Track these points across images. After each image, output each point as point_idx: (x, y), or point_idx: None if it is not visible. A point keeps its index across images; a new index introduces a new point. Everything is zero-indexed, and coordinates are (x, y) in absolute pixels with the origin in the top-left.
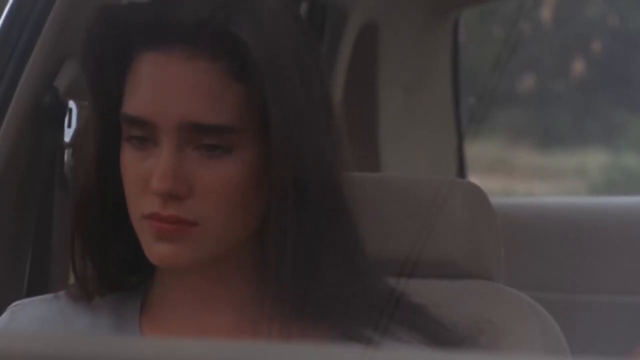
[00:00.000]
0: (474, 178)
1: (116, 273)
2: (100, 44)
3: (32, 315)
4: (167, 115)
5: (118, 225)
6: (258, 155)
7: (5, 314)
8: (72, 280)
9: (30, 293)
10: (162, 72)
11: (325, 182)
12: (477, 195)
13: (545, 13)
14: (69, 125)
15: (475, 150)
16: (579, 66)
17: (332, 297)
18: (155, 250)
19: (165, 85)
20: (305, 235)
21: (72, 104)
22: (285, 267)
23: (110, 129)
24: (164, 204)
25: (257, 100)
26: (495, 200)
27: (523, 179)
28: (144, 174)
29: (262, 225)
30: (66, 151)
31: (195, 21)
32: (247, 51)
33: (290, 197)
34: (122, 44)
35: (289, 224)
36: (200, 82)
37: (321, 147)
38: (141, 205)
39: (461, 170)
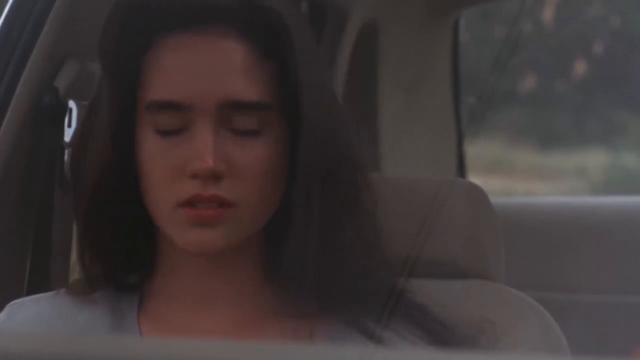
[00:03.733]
0: (474, 178)
1: (119, 269)
2: (121, 29)
3: (30, 312)
4: (206, 96)
5: (125, 223)
6: (283, 137)
7: (3, 312)
8: (71, 278)
9: (30, 292)
10: (195, 52)
11: (349, 167)
12: (477, 195)
13: (546, 13)
14: (69, 125)
15: (475, 150)
16: (580, 66)
17: (343, 287)
18: (192, 237)
19: (200, 66)
20: (325, 222)
21: (72, 104)
22: (305, 251)
23: (123, 123)
24: (204, 184)
25: (290, 78)
26: (495, 200)
27: (523, 179)
28: (178, 161)
29: (276, 213)
30: (66, 151)
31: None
32: (284, 28)
33: (315, 180)
34: (143, 29)
35: (313, 209)
36: (236, 60)
37: (347, 132)
38: (176, 192)
39: (461, 170)
